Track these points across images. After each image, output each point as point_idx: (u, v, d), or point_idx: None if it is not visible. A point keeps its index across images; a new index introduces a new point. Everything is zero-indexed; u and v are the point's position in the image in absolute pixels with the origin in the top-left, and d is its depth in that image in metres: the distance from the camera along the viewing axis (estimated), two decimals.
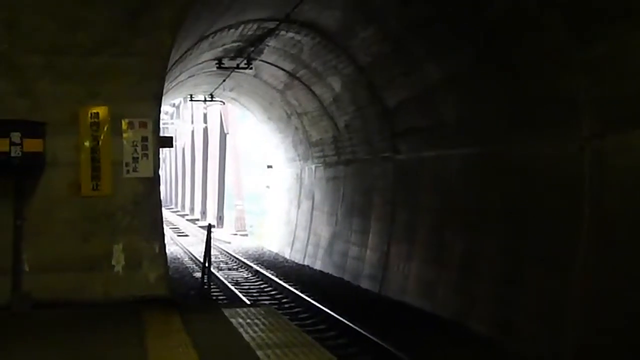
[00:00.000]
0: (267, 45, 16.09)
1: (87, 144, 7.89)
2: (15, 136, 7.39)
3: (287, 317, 9.75)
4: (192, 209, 48.86)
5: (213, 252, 10.31)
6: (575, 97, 8.63)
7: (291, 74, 17.89)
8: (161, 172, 8.73)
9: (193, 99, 26.31)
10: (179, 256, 23.70)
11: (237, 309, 7.85)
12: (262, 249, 25.43)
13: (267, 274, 18.01)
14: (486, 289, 10.78)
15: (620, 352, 7.78)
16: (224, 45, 15.56)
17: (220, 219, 38.61)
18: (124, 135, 8.02)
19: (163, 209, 8.78)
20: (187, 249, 25.15)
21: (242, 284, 17.45)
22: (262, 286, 17.01)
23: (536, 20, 9.03)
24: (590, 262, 8.47)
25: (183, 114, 52.22)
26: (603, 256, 8.30)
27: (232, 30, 14.35)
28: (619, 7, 7.66)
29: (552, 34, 8.82)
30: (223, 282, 16.72)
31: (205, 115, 43.61)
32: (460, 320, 11.14)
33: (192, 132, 49.13)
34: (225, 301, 14.66)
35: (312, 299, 13.71)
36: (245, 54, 16.62)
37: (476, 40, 10.46)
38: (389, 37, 12.80)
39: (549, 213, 9.44)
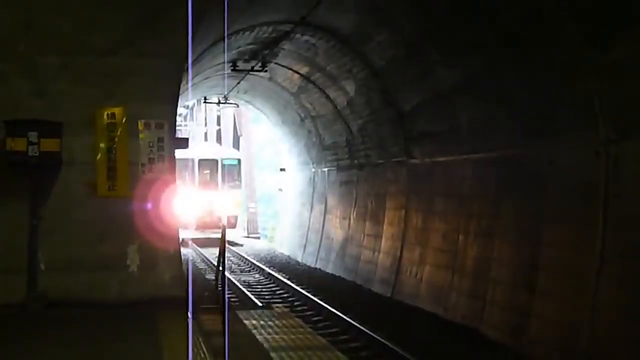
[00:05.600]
0: (282, 49, 16.11)
1: (103, 144, 7.93)
2: (33, 136, 7.45)
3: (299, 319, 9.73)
4: None
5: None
6: (592, 101, 8.58)
7: (305, 77, 17.90)
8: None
9: (207, 101, 26.32)
10: (191, 257, 23.73)
11: (251, 311, 7.87)
12: (274, 252, 25.43)
13: (279, 276, 18.01)
14: (500, 295, 10.72)
15: None
16: (238, 47, 15.59)
17: None
18: (140, 135, 8.05)
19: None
20: (199, 251, 25.20)
21: (254, 286, 17.45)
22: (274, 289, 17.01)
23: (552, 24, 8.99)
24: (607, 270, 8.41)
25: (197, 116, 52.27)
26: (620, 263, 8.25)
27: (247, 33, 14.38)
28: (636, 11, 7.61)
29: (567, 37, 8.77)
30: (235, 284, 16.73)
31: (218, 118, 43.62)
32: (473, 325, 11.09)
33: (205, 134, 49.16)
34: (237, 303, 14.66)
35: (324, 302, 13.68)
36: (259, 56, 16.64)
37: (491, 44, 10.42)
38: (404, 41, 12.77)
39: (564, 218, 9.38)
